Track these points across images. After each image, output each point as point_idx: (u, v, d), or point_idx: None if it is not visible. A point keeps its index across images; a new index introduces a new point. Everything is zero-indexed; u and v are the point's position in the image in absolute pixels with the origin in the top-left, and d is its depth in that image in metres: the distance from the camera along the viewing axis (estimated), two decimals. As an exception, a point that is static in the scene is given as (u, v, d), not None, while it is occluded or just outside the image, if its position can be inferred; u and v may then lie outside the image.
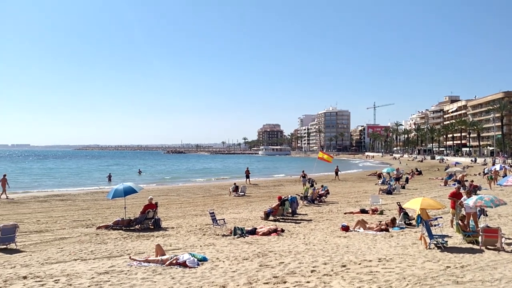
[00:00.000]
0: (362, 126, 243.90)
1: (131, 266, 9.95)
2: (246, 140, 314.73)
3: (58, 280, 8.73)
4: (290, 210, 19.50)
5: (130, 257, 10.82)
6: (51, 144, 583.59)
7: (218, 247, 12.30)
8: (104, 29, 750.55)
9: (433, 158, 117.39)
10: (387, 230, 15.01)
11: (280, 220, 18.44)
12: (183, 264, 9.76)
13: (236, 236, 14.14)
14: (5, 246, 12.57)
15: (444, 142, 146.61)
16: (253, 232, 14.74)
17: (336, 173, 47.19)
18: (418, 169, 56.99)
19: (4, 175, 30.28)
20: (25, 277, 8.98)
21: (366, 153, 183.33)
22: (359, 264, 9.89)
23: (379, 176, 44.65)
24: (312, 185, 34.75)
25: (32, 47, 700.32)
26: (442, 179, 40.64)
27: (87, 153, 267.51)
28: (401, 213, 16.80)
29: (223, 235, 14.48)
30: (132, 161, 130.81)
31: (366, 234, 14.56)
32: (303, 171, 39.12)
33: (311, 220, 18.45)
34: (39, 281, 8.69)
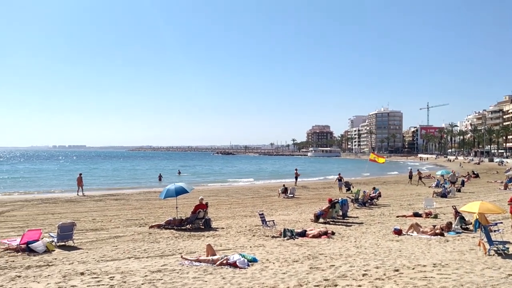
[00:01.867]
0: (415, 127, 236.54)
1: (183, 265, 10.14)
2: (294, 142, 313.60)
3: (113, 277, 9.04)
4: (340, 213, 19.22)
5: (181, 256, 11.03)
6: (106, 145, 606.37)
7: (268, 249, 12.29)
8: (157, 31, 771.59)
9: (491, 160, 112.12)
10: (442, 234, 14.45)
11: (331, 222, 18.20)
12: (234, 265, 9.84)
13: (285, 238, 14.07)
14: (63, 243, 13.15)
15: (504, 144, 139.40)
16: (303, 234, 14.63)
17: (410, 177, 44.32)
18: (475, 172, 54.58)
19: (80, 174, 34.03)
20: (82, 273, 9.36)
21: (419, 155, 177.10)
22: (413, 269, 9.57)
23: (420, 177, 43.03)
24: (348, 189, 34.13)
25: (85, 49, 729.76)
26: (502, 182, 38.71)
27: (140, 153, 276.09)
28: (457, 217, 16.12)
29: (273, 237, 14.46)
30: (179, 161, 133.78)
31: (419, 238, 14.09)
32: (339, 174, 38.06)
33: (362, 223, 18.07)
34: (96, 277, 9.03)
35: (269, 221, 16.25)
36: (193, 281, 8.65)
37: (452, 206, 18.28)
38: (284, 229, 14.74)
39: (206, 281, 8.66)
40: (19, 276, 9.18)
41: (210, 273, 9.37)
